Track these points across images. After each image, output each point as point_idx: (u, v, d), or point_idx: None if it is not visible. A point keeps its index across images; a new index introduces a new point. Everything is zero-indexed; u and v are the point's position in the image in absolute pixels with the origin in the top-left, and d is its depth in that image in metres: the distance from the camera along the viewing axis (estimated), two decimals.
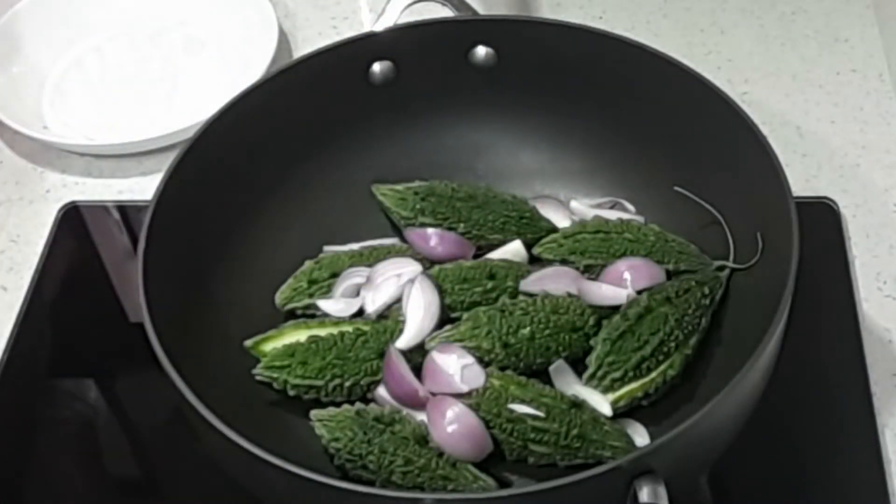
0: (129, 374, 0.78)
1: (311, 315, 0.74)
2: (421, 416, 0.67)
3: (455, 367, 0.68)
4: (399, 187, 0.78)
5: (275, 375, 0.69)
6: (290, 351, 0.69)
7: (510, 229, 0.77)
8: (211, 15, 1.04)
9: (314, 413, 0.67)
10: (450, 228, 0.76)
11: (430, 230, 0.76)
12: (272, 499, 0.62)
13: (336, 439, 0.66)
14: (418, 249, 0.76)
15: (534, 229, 0.77)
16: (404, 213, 0.77)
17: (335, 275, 0.74)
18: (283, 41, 1.01)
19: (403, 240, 0.77)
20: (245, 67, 0.99)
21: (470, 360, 0.68)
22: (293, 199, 0.78)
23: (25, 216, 0.92)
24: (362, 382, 0.69)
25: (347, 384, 0.69)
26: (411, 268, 0.73)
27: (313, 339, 0.70)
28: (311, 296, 0.74)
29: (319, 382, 0.69)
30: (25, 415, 0.79)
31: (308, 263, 0.75)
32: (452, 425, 0.66)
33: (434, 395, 0.68)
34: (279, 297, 0.74)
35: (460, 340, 0.69)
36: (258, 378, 0.69)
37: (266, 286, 0.74)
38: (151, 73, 1.02)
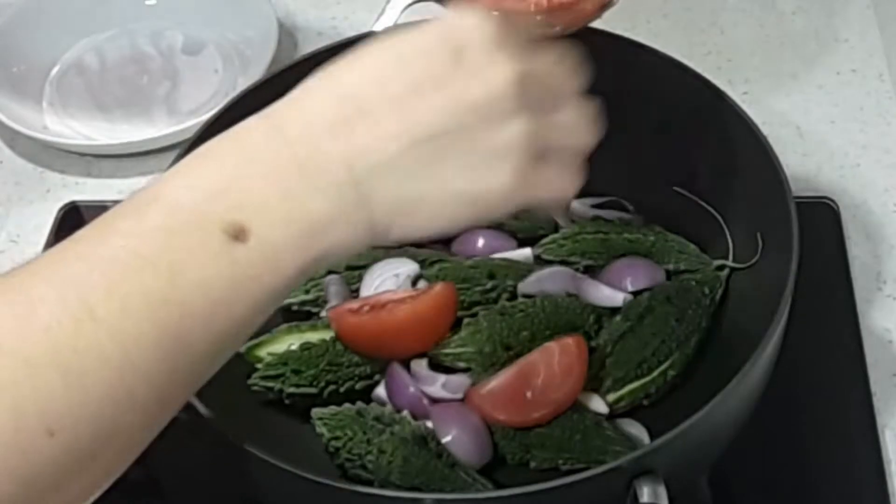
0: None
1: (306, 312, 0.74)
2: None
3: (438, 380, 0.68)
4: None
5: (269, 385, 0.69)
6: (284, 359, 0.69)
7: (510, 223, 0.76)
8: (211, 15, 1.04)
9: (315, 411, 0.67)
10: None
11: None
12: (272, 499, 0.62)
13: (336, 438, 0.66)
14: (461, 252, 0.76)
15: (532, 227, 0.77)
16: None
17: (331, 272, 0.74)
18: (283, 41, 1.01)
19: None
20: (245, 67, 0.99)
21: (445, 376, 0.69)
22: None
23: (25, 216, 0.92)
24: (357, 387, 0.69)
25: (342, 389, 0.69)
26: (409, 267, 0.73)
27: (306, 347, 0.70)
28: (307, 292, 0.74)
29: (314, 390, 0.69)
30: None
31: None
32: (457, 429, 0.66)
33: (435, 401, 0.68)
34: None
35: (462, 345, 0.69)
36: (254, 388, 0.69)
37: None
38: (151, 73, 1.02)
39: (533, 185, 0.50)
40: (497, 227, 0.77)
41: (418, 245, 0.75)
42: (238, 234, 0.44)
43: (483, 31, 0.49)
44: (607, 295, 0.71)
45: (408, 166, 0.47)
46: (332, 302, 0.73)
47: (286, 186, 0.46)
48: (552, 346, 0.67)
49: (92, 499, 0.44)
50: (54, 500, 0.42)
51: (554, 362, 0.66)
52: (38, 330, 0.41)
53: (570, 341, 0.67)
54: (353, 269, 0.74)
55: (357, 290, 0.74)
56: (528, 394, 0.66)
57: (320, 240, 0.46)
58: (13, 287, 0.42)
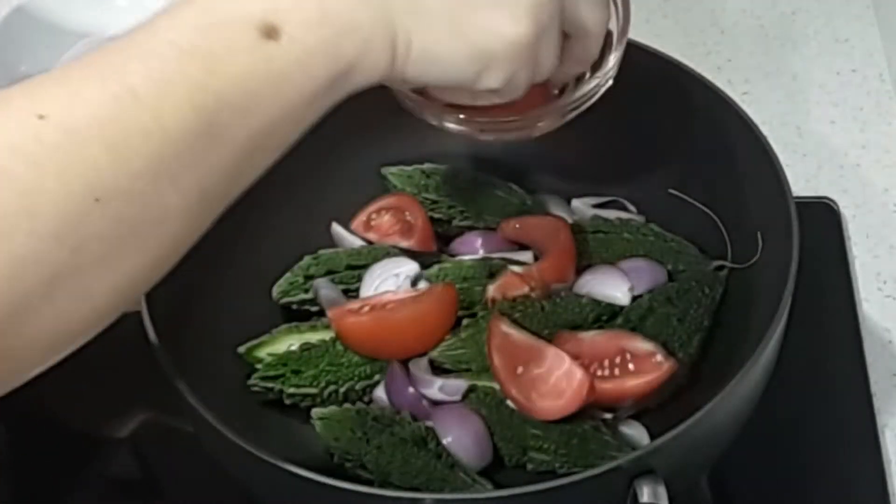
0: (128, 374, 0.78)
1: (305, 311, 0.74)
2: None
3: (435, 383, 0.68)
4: (408, 168, 0.79)
5: (269, 385, 0.69)
6: (283, 360, 0.69)
7: (511, 214, 0.77)
8: None
9: (315, 411, 0.67)
10: (450, 207, 0.77)
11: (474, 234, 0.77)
12: (272, 499, 0.62)
13: (336, 438, 0.66)
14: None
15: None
16: (409, 189, 0.78)
17: (331, 272, 0.74)
18: None
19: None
20: None
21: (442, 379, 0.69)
22: (295, 193, 0.78)
23: None
24: (357, 387, 0.69)
25: (342, 390, 0.69)
26: (409, 267, 0.73)
27: (305, 347, 0.70)
28: (306, 291, 0.74)
29: (314, 390, 0.69)
30: (24, 416, 0.79)
31: (306, 259, 0.75)
32: (458, 430, 0.66)
33: (435, 403, 0.68)
34: (276, 291, 0.74)
35: (461, 346, 0.69)
36: (254, 388, 0.69)
37: (265, 285, 0.74)
38: None
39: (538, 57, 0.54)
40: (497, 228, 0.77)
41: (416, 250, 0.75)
42: (270, 33, 0.47)
43: None
44: (610, 294, 0.71)
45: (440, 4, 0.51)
46: (324, 307, 0.73)
47: None
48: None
49: (141, 292, 0.47)
50: (104, 276, 0.44)
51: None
52: (82, 105, 0.43)
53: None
54: (353, 269, 0.74)
55: (357, 290, 0.74)
56: (520, 370, 0.66)
57: (349, 49, 0.49)
58: (63, 72, 0.45)
